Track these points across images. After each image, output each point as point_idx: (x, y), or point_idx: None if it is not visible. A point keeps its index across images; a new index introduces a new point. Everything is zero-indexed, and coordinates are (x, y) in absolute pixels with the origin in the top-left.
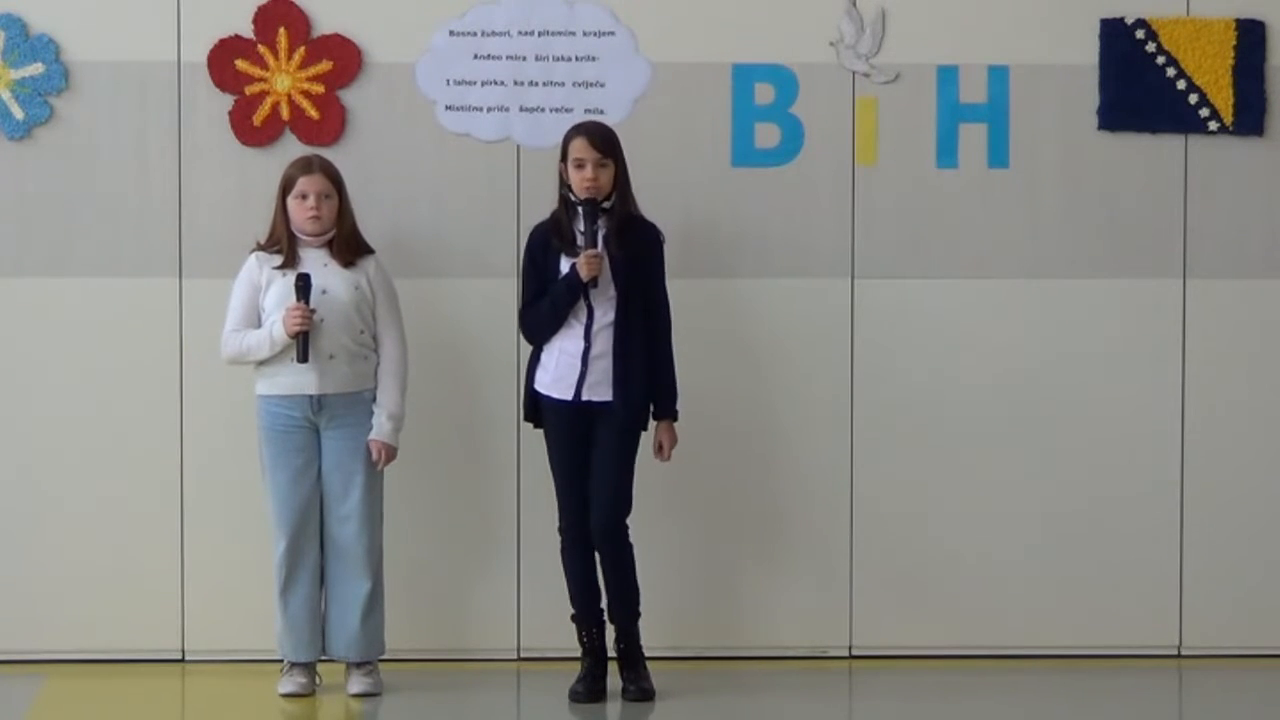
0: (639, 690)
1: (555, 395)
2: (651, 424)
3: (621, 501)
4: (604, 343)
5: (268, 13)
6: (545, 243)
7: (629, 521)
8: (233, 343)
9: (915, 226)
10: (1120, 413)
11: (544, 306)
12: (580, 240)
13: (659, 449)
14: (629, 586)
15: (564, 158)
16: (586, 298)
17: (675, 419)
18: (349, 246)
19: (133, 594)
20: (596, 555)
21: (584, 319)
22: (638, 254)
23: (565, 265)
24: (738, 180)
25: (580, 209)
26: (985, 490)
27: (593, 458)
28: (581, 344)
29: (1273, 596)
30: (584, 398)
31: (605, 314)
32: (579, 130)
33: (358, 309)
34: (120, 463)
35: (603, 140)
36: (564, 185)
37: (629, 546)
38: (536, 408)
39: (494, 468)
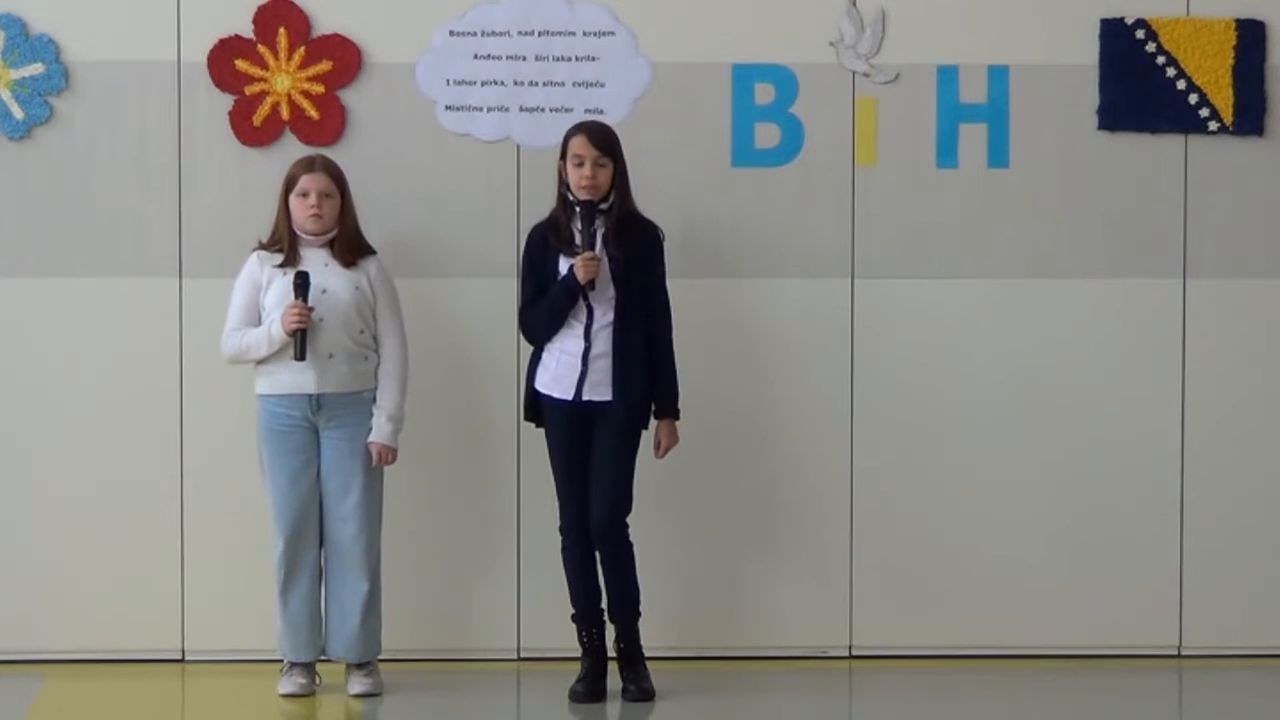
0: (639, 690)
1: (555, 395)
2: (653, 423)
3: (621, 501)
4: (604, 342)
5: (268, 13)
6: (544, 242)
7: (629, 521)
8: (233, 341)
9: (915, 226)
10: (1120, 413)
11: (542, 308)
12: (578, 241)
13: (658, 447)
14: (629, 586)
15: (563, 155)
16: (585, 298)
17: (676, 418)
18: (350, 247)
19: (133, 594)
20: (597, 555)
21: (584, 319)
22: (637, 253)
23: (564, 265)
24: (738, 180)
25: (578, 210)
26: (985, 490)
27: (593, 457)
28: (581, 344)
29: (1273, 596)
30: (584, 398)
31: (605, 314)
32: (579, 129)
33: (358, 309)
34: (120, 463)
35: (602, 139)
36: (563, 184)
37: (629, 546)
38: (537, 407)
39: (494, 468)
